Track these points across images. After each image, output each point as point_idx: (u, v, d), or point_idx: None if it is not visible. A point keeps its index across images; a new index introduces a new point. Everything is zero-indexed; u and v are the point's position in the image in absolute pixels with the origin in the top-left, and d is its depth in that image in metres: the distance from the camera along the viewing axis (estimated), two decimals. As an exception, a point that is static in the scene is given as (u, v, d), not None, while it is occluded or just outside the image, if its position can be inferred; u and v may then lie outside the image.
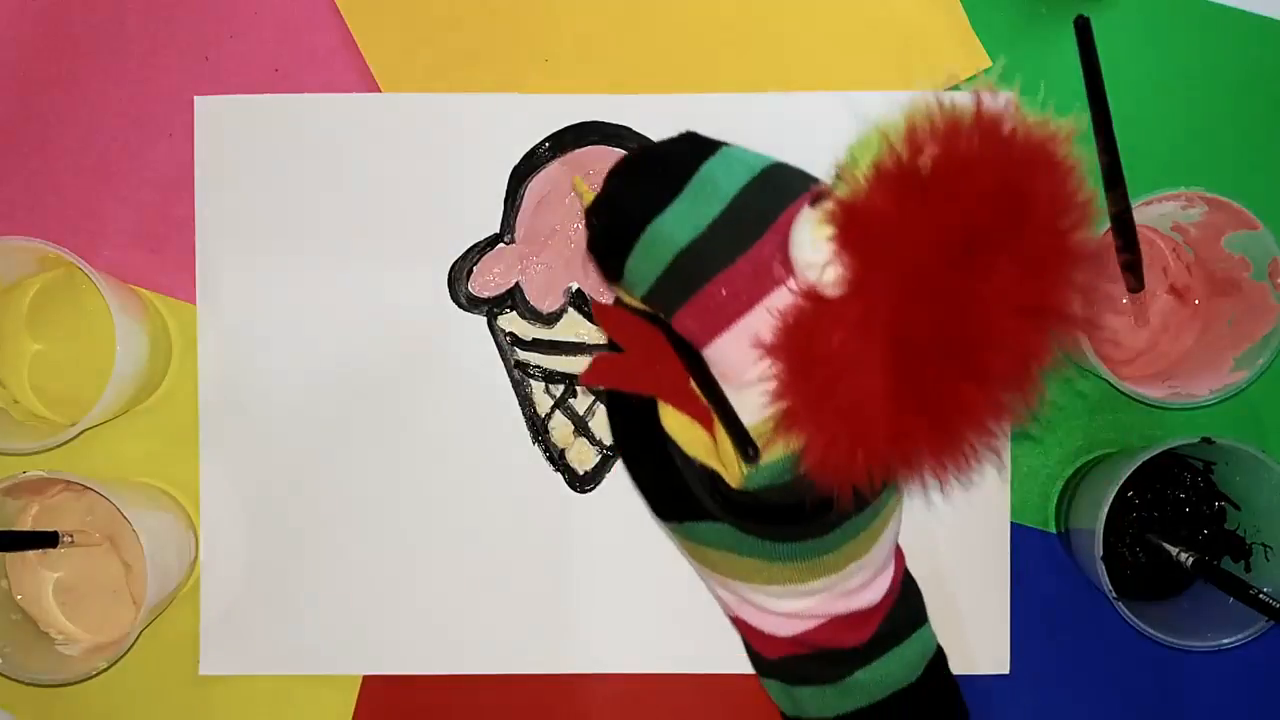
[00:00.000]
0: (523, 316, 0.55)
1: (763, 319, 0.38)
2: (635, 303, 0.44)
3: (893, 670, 0.47)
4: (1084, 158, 0.34)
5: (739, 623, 0.49)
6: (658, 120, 0.54)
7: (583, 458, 0.55)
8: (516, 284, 0.55)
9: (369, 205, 0.55)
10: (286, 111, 0.55)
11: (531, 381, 0.55)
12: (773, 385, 0.36)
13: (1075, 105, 0.54)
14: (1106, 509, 0.48)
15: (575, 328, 0.54)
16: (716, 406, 0.40)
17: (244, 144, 0.55)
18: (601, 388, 0.53)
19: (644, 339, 0.44)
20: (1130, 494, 0.53)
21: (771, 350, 0.36)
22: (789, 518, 0.42)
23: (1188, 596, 0.53)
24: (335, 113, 0.55)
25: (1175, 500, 0.53)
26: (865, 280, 0.34)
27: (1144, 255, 0.48)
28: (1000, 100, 0.34)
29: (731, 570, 0.46)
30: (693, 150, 0.42)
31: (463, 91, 0.55)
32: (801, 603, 0.45)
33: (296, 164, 0.55)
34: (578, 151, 0.55)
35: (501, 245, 0.55)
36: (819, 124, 0.54)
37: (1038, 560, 0.54)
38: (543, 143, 0.55)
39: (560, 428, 0.55)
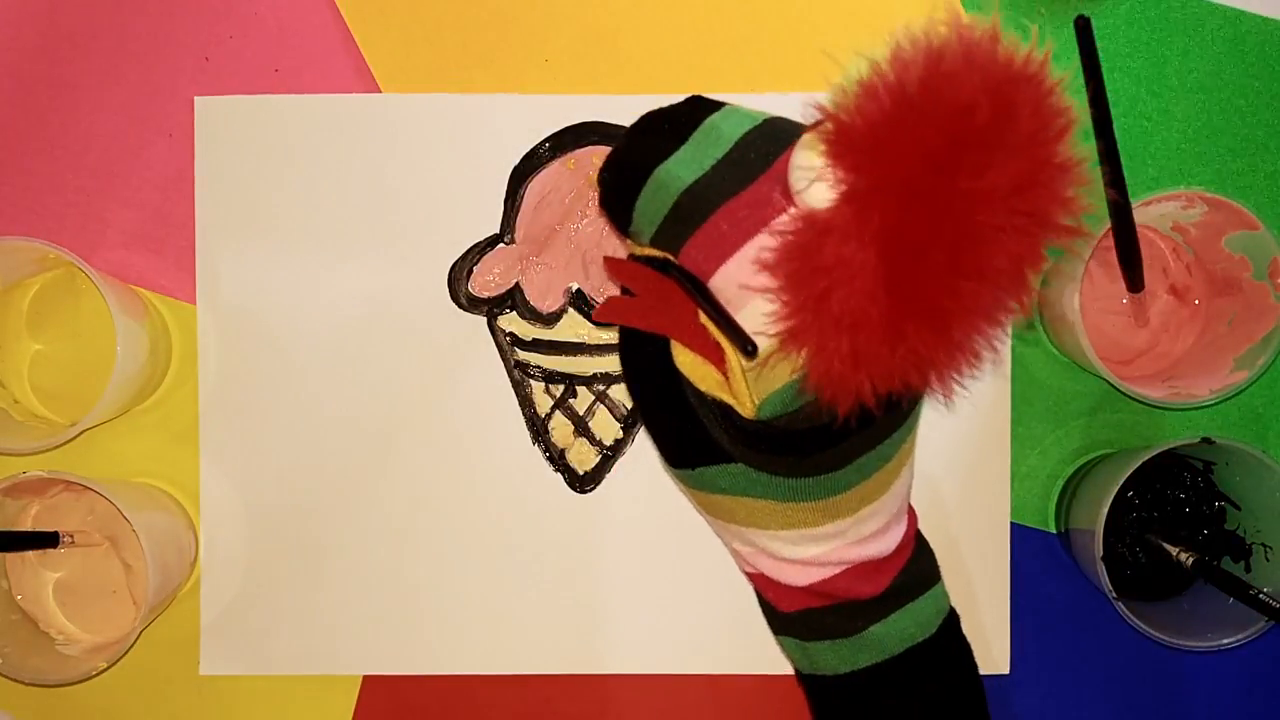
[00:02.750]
0: (523, 316, 0.55)
1: (764, 243, 0.39)
2: (644, 252, 0.45)
3: (907, 625, 0.47)
4: (1065, 78, 0.35)
5: (755, 577, 0.49)
6: (658, 120, 0.54)
7: (583, 458, 0.55)
8: (516, 284, 0.55)
9: (369, 205, 0.55)
10: (286, 111, 0.55)
11: (531, 381, 0.55)
12: (775, 305, 0.37)
13: (1075, 105, 0.54)
14: (1106, 509, 0.48)
15: (575, 328, 0.54)
16: (720, 322, 0.41)
17: (244, 144, 0.55)
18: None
19: (653, 284, 0.45)
20: (1130, 494, 0.53)
21: (770, 267, 0.37)
22: (800, 446, 0.43)
23: (1188, 596, 0.53)
24: (335, 113, 0.55)
25: (1175, 500, 0.53)
26: (855, 189, 0.35)
27: (1144, 255, 0.48)
28: (982, 30, 0.35)
29: (746, 515, 0.46)
30: (696, 108, 0.45)
31: (463, 91, 0.55)
32: (816, 549, 0.46)
33: (296, 164, 0.55)
34: (578, 151, 0.55)
35: (501, 245, 0.55)
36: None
37: (1038, 560, 0.54)
38: (543, 143, 0.55)
39: (560, 428, 0.55)
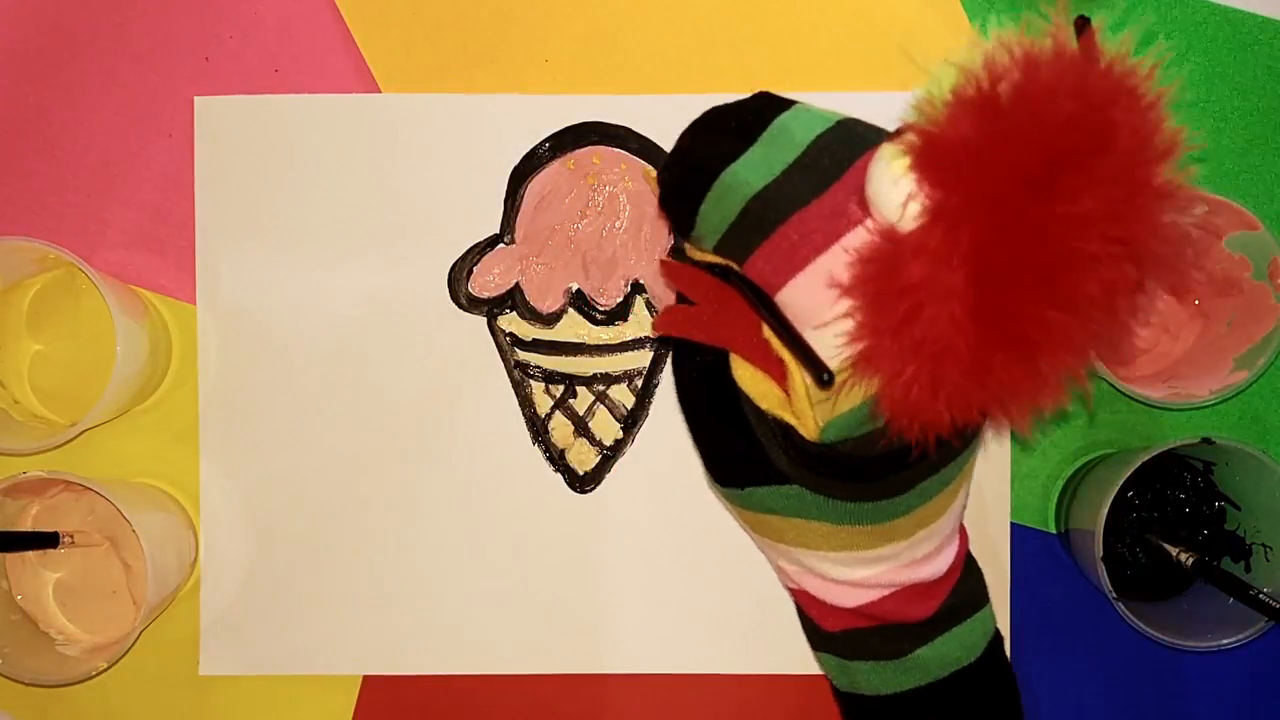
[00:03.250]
0: (523, 317, 0.55)
1: (839, 259, 0.37)
2: (704, 258, 0.43)
3: (953, 649, 0.46)
4: (1164, 91, 0.33)
5: (799, 594, 0.48)
6: (658, 120, 0.54)
7: (583, 458, 0.55)
8: (516, 284, 0.55)
9: (369, 205, 0.55)
10: (286, 111, 0.55)
11: (531, 382, 0.55)
12: (849, 326, 0.35)
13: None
14: (1106, 509, 0.48)
15: (575, 328, 0.54)
16: (791, 344, 0.39)
17: (244, 144, 0.55)
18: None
19: (714, 292, 0.43)
20: (1130, 494, 0.53)
21: (848, 289, 0.35)
22: (864, 473, 0.41)
23: (1188, 596, 0.53)
24: (335, 113, 0.55)
25: (1175, 500, 0.53)
26: (945, 207, 0.33)
27: (1144, 255, 0.48)
28: (1082, 39, 0.33)
29: (797, 537, 0.45)
30: (765, 105, 0.42)
31: (463, 91, 0.55)
32: (867, 571, 0.44)
33: (296, 164, 0.55)
34: (578, 151, 0.55)
35: (501, 245, 0.55)
36: (819, 124, 0.54)
37: (1038, 560, 0.54)
38: (543, 143, 0.55)
39: (560, 428, 0.55)
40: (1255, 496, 0.51)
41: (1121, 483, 0.48)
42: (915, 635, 0.46)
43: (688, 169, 0.42)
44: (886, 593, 0.45)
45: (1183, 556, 0.50)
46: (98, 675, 0.52)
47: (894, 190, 0.34)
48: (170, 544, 0.52)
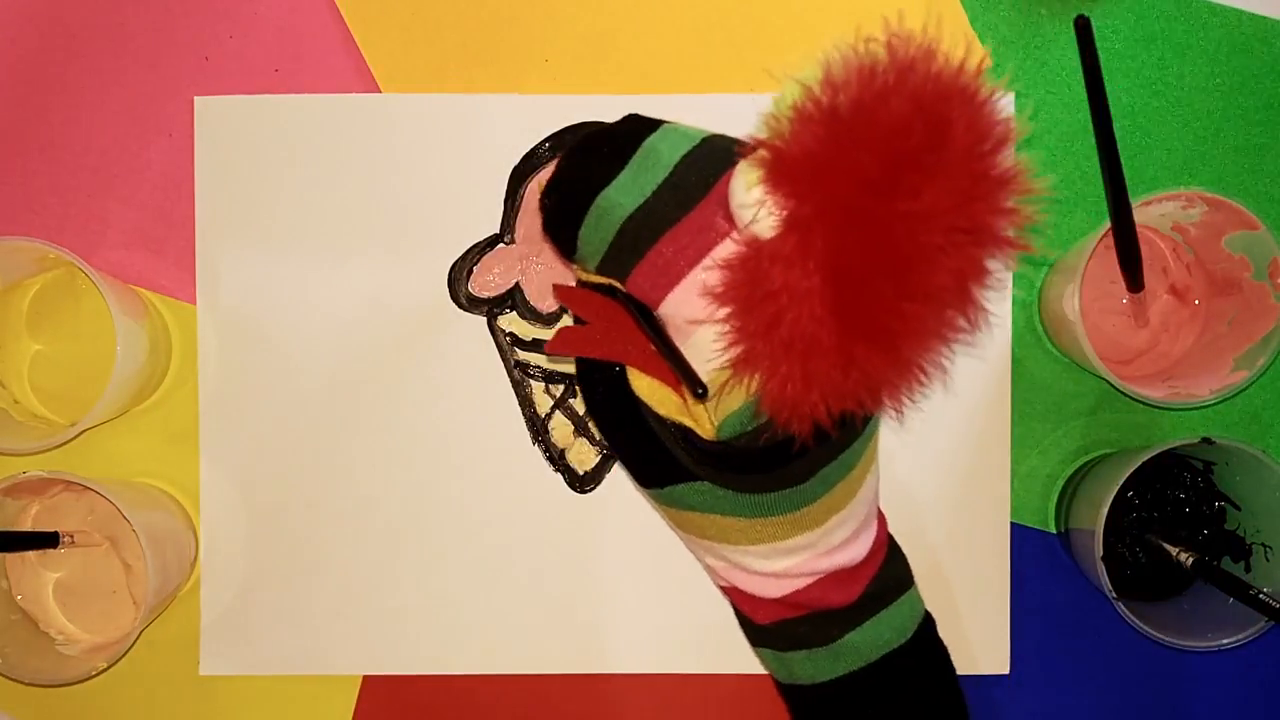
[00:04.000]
0: (523, 316, 0.55)
1: (710, 270, 0.40)
2: (594, 278, 0.45)
3: (883, 632, 0.48)
4: (994, 87, 0.35)
5: (730, 591, 0.49)
6: (658, 120, 0.54)
7: (583, 458, 0.55)
8: (516, 284, 0.55)
9: (369, 205, 0.55)
10: (286, 111, 0.55)
11: (531, 381, 0.55)
12: (724, 331, 0.37)
13: (1075, 105, 0.55)
14: (1106, 509, 0.48)
15: (575, 328, 0.54)
16: (669, 358, 0.42)
17: (244, 144, 0.55)
18: (569, 356, 0.53)
19: (605, 311, 0.45)
20: (1130, 494, 0.53)
21: (718, 296, 0.37)
22: (762, 464, 0.43)
23: (1188, 596, 0.53)
24: (335, 113, 0.55)
25: (1175, 500, 0.53)
26: (797, 216, 0.35)
27: (1144, 255, 0.48)
28: (914, 45, 0.35)
29: (717, 533, 0.46)
30: (635, 128, 0.45)
31: (463, 91, 0.55)
32: (787, 561, 0.46)
33: (296, 164, 0.55)
34: (578, 151, 0.55)
35: (501, 245, 0.55)
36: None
37: (1038, 560, 0.54)
38: (543, 143, 0.55)
39: (560, 428, 0.55)
40: (1255, 496, 0.51)
41: (1121, 483, 0.48)
42: (843, 621, 0.47)
43: (565, 195, 0.45)
44: (809, 581, 0.47)
45: (1183, 556, 0.50)
46: (98, 675, 0.52)
47: (750, 203, 0.37)
48: (170, 544, 0.52)
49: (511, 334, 0.55)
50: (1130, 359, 0.53)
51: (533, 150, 0.55)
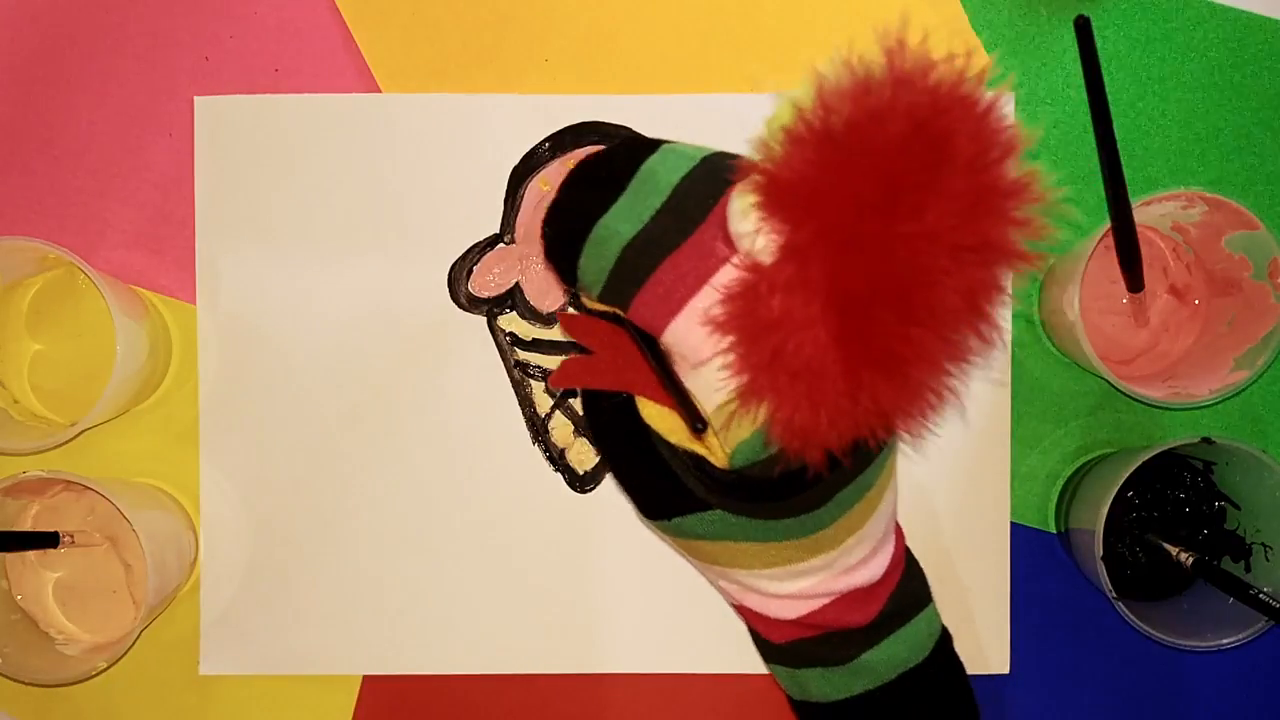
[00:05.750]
0: (523, 316, 0.55)
1: (711, 298, 0.38)
2: (598, 306, 0.44)
3: (899, 650, 0.47)
4: (996, 94, 0.34)
5: (743, 611, 0.49)
6: (658, 120, 0.54)
7: (583, 458, 0.55)
8: (516, 284, 0.55)
9: (369, 205, 0.55)
10: (286, 111, 0.55)
11: (531, 381, 0.55)
12: (729, 360, 0.36)
13: (1075, 105, 0.55)
14: (1106, 509, 0.48)
15: (575, 328, 0.54)
16: (671, 391, 0.41)
17: (244, 144, 0.55)
18: (574, 389, 0.53)
19: (610, 339, 0.44)
20: (1130, 494, 0.53)
21: (721, 325, 0.36)
22: (777, 492, 0.42)
23: (1188, 596, 0.53)
24: (335, 113, 0.55)
25: (1175, 500, 0.53)
26: (794, 243, 0.34)
27: (1144, 255, 0.48)
28: (911, 55, 0.34)
29: (730, 559, 0.46)
30: (633, 152, 0.43)
31: (463, 91, 0.55)
32: (803, 583, 0.45)
33: (296, 164, 0.55)
34: (578, 151, 0.55)
35: (501, 245, 0.55)
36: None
37: (1038, 560, 0.54)
38: (543, 143, 0.55)
39: (560, 428, 0.55)
40: (1255, 496, 0.51)
41: (1121, 482, 0.48)
42: (860, 640, 0.46)
43: (562, 225, 0.43)
44: (825, 601, 0.46)
45: (1183, 556, 0.50)
46: (98, 675, 0.52)
47: (747, 225, 0.36)
48: (170, 544, 0.52)
49: (511, 334, 0.55)
50: (1130, 359, 0.53)
51: (533, 150, 0.55)
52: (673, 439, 0.44)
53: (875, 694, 0.47)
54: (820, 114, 0.34)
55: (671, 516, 0.46)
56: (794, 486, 0.42)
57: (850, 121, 0.33)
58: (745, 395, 0.36)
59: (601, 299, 0.43)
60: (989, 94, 0.34)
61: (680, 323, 0.40)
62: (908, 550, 0.50)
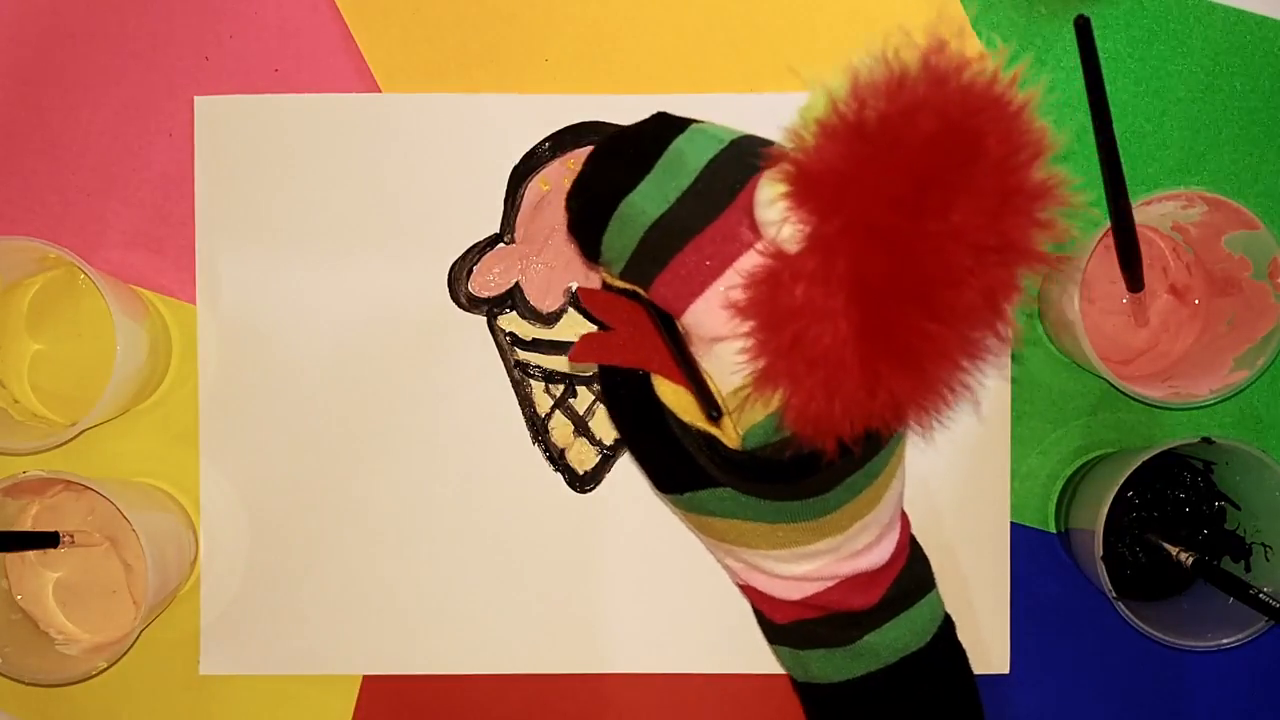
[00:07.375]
0: (523, 316, 0.55)
1: (733, 282, 0.39)
2: (618, 283, 0.45)
3: (902, 634, 0.47)
4: (1032, 97, 0.34)
5: (748, 590, 0.49)
6: (658, 120, 0.54)
7: (583, 458, 0.55)
8: (516, 284, 0.55)
9: (369, 205, 0.55)
10: (286, 111, 0.55)
11: (531, 381, 0.55)
12: (747, 344, 0.37)
13: (1075, 105, 0.55)
14: (1106, 509, 0.48)
15: (575, 328, 0.54)
16: (688, 376, 0.41)
17: (244, 144, 0.55)
18: (592, 365, 0.53)
19: (629, 316, 0.45)
20: (1130, 494, 0.53)
21: (742, 309, 0.36)
22: (786, 475, 0.42)
23: (1188, 596, 0.53)
24: (335, 113, 0.55)
25: (1175, 500, 0.53)
26: (820, 234, 0.35)
27: (1144, 255, 0.48)
28: (946, 54, 0.34)
29: (737, 537, 0.46)
30: (662, 129, 0.44)
31: (463, 91, 0.55)
32: (808, 565, 0.46)
33: (296, 164, 0.55)
34: (578, 151, 0.55)
35: (501, 245, 0.55)
36: (819, 124, 0.54)
37: (1038, 560, 0.54)
38: (543, 143, 0.55)
39: (560, 428, 0.55)
40: (1255, 496, 0.51)
41: (1121, 482, 0.48)
42: (863, 622, 0.47)
43: (589, 200, 0.44)
44: (830, 584, 0.46)
45: (1183, 556, 0.50)
46: (98, 675, 0.52)
47: (773, 214, 0.36)
48: (170, 544, 0.52)
49: (511, 334, 0.55)
50: (1130, 359, 0.53)
51: (533, 150, 0.55)
52: (685, 418, 0.44)
53: (877, 676, 0.47)
54: (854, 106, 0.34)
55: (684, 491, 0.46)
56: (803, 470, 0.42)
57: (883, 116, 0.33)
58: (762, 380, 0.37)
59: (624, 276, 0.43)
60: (1021, 95, 0.34)
61: (701, 305, 0.40)
62: (912, 537, 0.50)
